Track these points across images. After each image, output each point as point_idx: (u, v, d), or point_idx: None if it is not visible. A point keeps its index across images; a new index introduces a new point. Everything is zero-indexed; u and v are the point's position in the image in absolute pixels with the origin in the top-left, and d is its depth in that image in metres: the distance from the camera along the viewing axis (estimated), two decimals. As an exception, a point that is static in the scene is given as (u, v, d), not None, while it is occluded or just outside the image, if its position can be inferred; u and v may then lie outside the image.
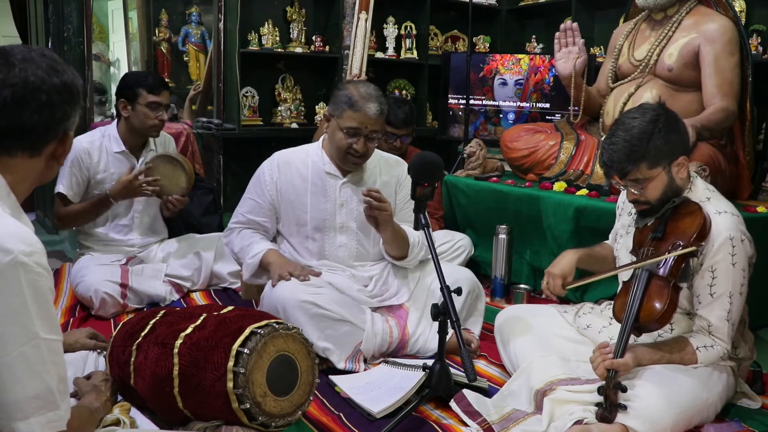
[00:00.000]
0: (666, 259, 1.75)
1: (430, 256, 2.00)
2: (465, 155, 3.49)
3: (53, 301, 1.11)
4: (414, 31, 4.74)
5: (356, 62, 4.01)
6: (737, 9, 3.25)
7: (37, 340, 1.05)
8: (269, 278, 2.27)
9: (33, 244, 1.06)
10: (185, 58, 4.53)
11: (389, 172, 2.42)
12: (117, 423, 1.46)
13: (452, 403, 1.84)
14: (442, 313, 1.81)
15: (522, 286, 3.00)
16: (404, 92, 4.82)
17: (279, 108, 4.40)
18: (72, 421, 1.15)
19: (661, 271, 1.75)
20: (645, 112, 1.80)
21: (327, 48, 4.42)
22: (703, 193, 1.87)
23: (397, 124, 3.24)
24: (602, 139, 3.08)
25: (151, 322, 1.64)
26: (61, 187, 2.75)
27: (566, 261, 2.05)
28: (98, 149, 2.81)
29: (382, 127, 2.31)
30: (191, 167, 2.86)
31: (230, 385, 1.38)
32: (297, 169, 2.36)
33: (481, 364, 2.22)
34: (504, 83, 4.24)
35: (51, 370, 1.07)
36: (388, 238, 2.27)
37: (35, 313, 1.04)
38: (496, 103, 4.28)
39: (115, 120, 2.87)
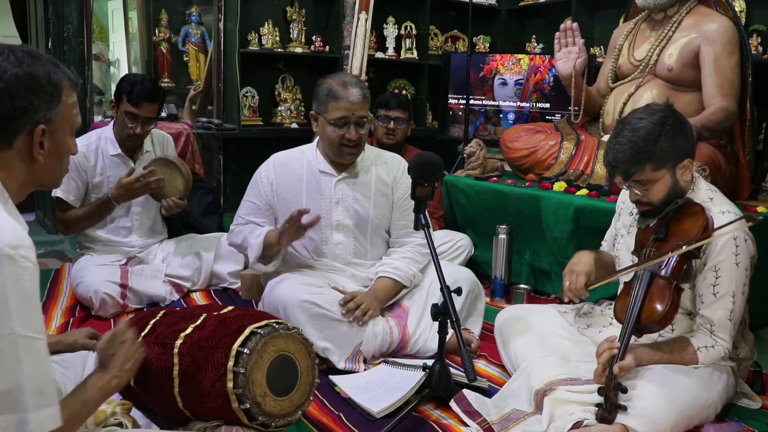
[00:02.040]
0: (669, 260, 1.74)
1: (430, 257, 2.00)
2: (465, 155, 3.49)
3: (40, 298, 1.07)
4: (414, 31, 4.74)
5: (356, 62, 4.01)
6: (737, 9, 3.25)
7: (13, 336, 1.01)
8: (276, 264, 2.28)
9: (20, 239, 1.03)
10: (185, 58, 4.53)
11: (385, 169, 2.42)
12: (120, 425, 1.46)
13: (452, 403, 1.84)
14: (442, 313, 1.81)
15: (522, 286, 3.00)
16: (404, 92, 4.82)
17: (279, 108, 4.40)
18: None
19: (663, 272, 1.75)
20: (652, 113, 1.77)
21: (327, 48, 4.41)
22: (705, 193, 1.86)
23: (392, 104, 3.29)
24: (603, 138, 3.09)
25: (151, 322, 1.64)
26: (59, 191, 2.73)
27: (586, 259, 2.00)
28: (95, 152, 2.79)
29: (368, 112, 2.31)
30: (188, 170, 2.84)
31: (230, 385, 1.38)
32: (293, 169, 2.36)
33: (481, 364, 2.22)
34: (504, 83, 4.24)
35: (26, 368, 1.02)
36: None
37: (15, 307, 1.01)
38: (496, 103, 4.27)
39: (112, 121, 2.86)
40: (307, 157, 2.38)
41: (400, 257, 2.34)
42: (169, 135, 3.10)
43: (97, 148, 2.80)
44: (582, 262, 1.99)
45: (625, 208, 2.09)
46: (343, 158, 2.31)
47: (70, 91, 1.17)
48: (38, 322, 1.06)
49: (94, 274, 2.65)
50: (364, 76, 3.94)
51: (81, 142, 2.80)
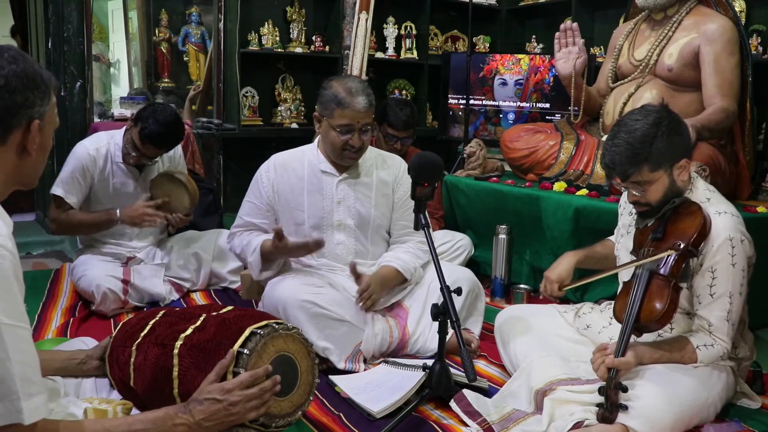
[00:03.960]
0: (666, 259, 1.75)
1: (430, 257, 2.00)
2: (465, 155, 3.49)
3: (21, 288, 1.06)
4: (414, 31, 4.74)
5: (356, 62, 4.01)
6: (737, 9, 3.24)
7: None
8: (278, 270, 2.28)
9: None
10: (185, 58, 4.53)
11: (386, 169, 2.42)
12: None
13: (452, 403, 1.84)
14: (442, 313, 1.81)
15: (522, 286, 3.00)
16: (404, 92, 4.82)
17: (279, 108, 4.40)
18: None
19: (661, 271, 1.75)
20: (648, 114, 1.78)
21: (327, 48, 4.42)
22: (703, 193, 1.87)
23: (399, 126, 3.23)
24: (602, 139, 3.08)
25: (151, 323, 1.63)
26: (59, 191, 2.70)
27: (563, 265, 2.06)
28: (104, 157, 2.77)
29: (372, 118, 2.30)
30: (194, 187, 2.83)
31: (230, 385, 1.38)
32: (293, 170, 2.36)
33: (481, 364, 2.22)
34: (504, 83, 4.24)
35: (13, 357, 1.01)
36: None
37: None
38: (496, 103, 4.27)
39: (124, 128, 2.78)
40: (308, 157, 2.38)
41: (403, 251, 2.34)
42: None
43: (107, 152, 2.77)
44: (558, 268, 2.05)
45: (625, 208, 2.09)
46: (343, 161, 2.32)
47: (53, 92, 1.20)
48: (20, 310, 1.05)
49: (97, 269, 2.66)
50: (364, 77, 3.94)
51: (91, 144, 2.77)
